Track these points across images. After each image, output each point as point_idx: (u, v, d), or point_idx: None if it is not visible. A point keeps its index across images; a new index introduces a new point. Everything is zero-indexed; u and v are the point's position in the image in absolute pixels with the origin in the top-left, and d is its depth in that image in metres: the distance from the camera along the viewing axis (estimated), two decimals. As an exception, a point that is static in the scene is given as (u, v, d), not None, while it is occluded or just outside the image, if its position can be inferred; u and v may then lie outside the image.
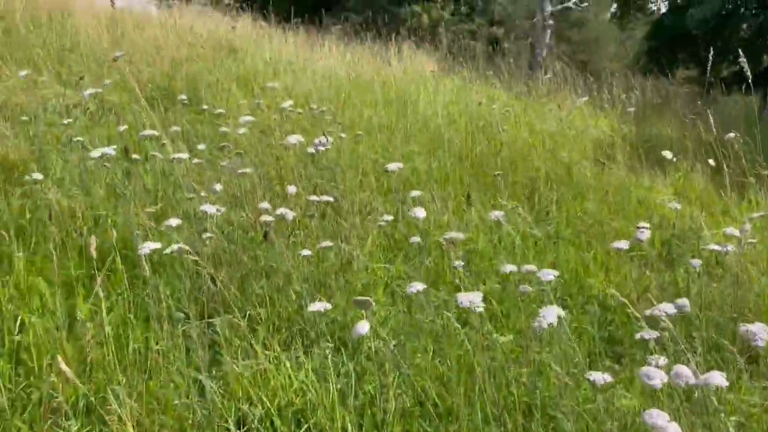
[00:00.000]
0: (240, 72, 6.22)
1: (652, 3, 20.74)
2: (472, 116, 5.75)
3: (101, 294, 2.07)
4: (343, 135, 3.89)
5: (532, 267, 2.18)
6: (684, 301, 2.12)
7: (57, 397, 1.85)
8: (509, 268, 2.24)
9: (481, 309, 1.96)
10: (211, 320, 2.35)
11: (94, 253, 1.73)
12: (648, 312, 2.00)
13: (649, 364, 1.68)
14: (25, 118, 3.63)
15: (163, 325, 2.22)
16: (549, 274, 1.98)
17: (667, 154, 3.95)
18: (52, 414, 1.87)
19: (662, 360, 1.73)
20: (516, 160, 4.58)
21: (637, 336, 1.84)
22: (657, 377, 1.61)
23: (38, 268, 2.54)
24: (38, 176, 2.58)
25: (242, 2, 15.88)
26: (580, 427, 1.99)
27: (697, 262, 2.35)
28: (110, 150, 2.25)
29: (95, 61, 5.71)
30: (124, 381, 2.04)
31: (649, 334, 1.80)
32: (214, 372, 2.20)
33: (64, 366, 1.26)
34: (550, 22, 17.26)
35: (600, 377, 1.66)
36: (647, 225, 2.50)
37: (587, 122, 5.83)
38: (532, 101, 7.42)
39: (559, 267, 3.44)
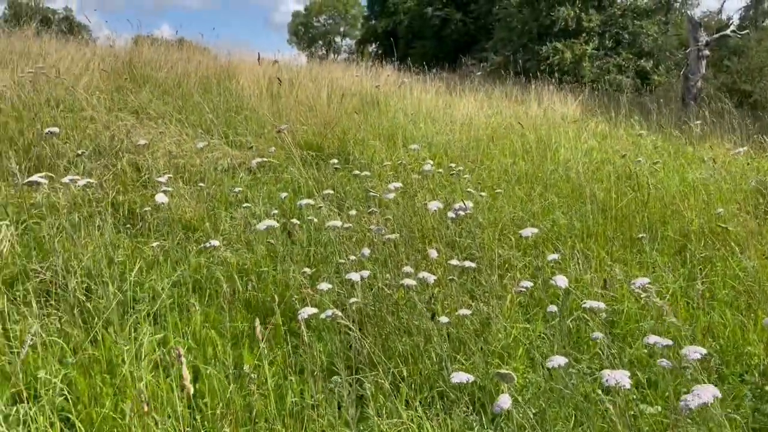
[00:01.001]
0: (383, 127, 6.57)
1: (825, 26, 18.82)
2: (616, 164, 5.60)
3: (264, 350, 2.32)
4: (483, 194, 3.99)
5: (668, 342, 2.11)
6: None
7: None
8: (653, 339, 2.18)
9: (627, 386, 1.94)
10: (358, 376, 2.52)
11: (261, 339, 1.96)
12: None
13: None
14: (202, 184, 4.13)
15: (317, 379, 2.42)
16: (695, 352, 1.92)
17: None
18: (223, 459, 2.12)
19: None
20: (665, 214, 4.39)
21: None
22: None
23: (211, 321, 2.88)
24: (215, 243, 2.94)
25: (384, 54, 16.74)
26: None
27: None
28: (274, 223, 2.54)
29: (256, 122, 6.33)
30: (282, 431, 2.25)
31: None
32: (361, 427, 2.36)
33: None
34: (706, 52, 16.19)
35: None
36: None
37: (747, 168, 5.43)
38: (684, 144, 7.05)
39: (714, 332, 3.26)
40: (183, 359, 1.36)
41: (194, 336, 2.78)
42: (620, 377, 1.72)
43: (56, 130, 3.05)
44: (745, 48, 21.88)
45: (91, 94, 5.91)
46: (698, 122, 6.79)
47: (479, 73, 13.21)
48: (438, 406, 2.40)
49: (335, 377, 2.39)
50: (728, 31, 16.88)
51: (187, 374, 1.42)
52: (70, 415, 2.20)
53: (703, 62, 15.99)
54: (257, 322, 2.02)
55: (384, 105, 8.09)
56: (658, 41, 20.74)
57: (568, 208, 4.66)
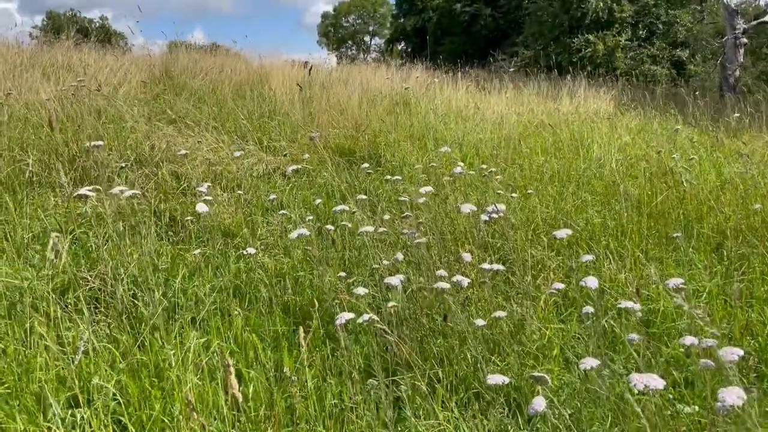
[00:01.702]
0: (414, 128, 6.62)
1: None
2: (651, 161, 5.54)
3: (304, 354, 2.41)
4: (514, 195, 4.00)
5: (711, 342, 2.12)
6: None
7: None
8: (689, 341, 2.19)
9: (661, 387, 1.95)
10: (395, 378, 2.58)
11: (302, 342, 2.04)
12: None
13: None
14: (240, 192, 4.25)
15: (355, 382, 2.50)
16: (733, 353, 1.92)
17: None
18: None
19: None
20: (701, 210, 4.34)
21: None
22: None
23: (252, 325, 2.98)
24: (252, 250, 3.04)
25: (413, 52, 16.74)
26: None
27: None
28: (306, 231, 2.62)
29: (289, 126, 6.44)
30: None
31: None
32: (399, 428, 2.42)
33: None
34: (744, 40, 15.76)
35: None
36: None
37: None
38: (721, 137, 6.91)
39: (752, 330, 3.23)
40: (231, 369, 1.44)
41: (236, 340, 2.88)
42: (648, 380, 1.75)
43: (101, 143, 3.19)
44: (785, 34, 21.20)
45: (130, 104, 6.10)
46: (736, 115, 6.66)
47: (511, 69, 13.10)
48: (474, 407, 2.44)
49: (371, 380, 2.45)
50: (766, 18, 16.42)
51: (235, 383, 1.50)
52: (122, 418, 2.32)
53: (741, 50, 15.58)
54: (300, 327, 2.10)
55: (414, 106, 8.13)
56: (693, 30, 20.26)
57: (602, 206, 4.64)
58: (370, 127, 6.38)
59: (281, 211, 3.61)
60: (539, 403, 1.83)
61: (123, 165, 4.10)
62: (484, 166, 4.43)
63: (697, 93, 10.60)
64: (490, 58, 21.89)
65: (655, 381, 1.83)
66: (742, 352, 1.97)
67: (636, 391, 1.79)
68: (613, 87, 12.29)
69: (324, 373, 2.68)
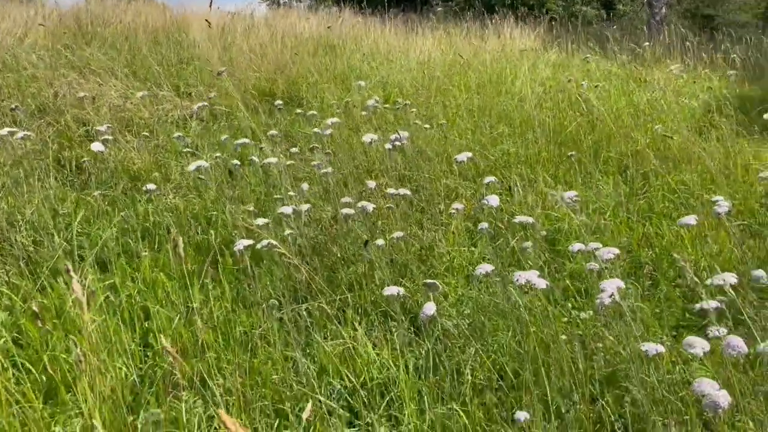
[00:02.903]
0: (338, 70, 6.52)
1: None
2: (568, 92, 5.65)
3: (209, 286, 2.40)
4: (426, 126, 4.03)
5: (596, 245, 2.23)
6: (760, 273, 2.09)
7: (176, 374, 2.18)
8: (577, 247, 2.29)
9: (543, 286, 2.05)
10: (303, 305, 2.62)
11: (181, 252, 2.02)
12: (709, 281, 2.00)
13: (707, 336, 1.72)
14: (146, 133, 4.12)
15: (264, 311, 2.52)
16: (610, 252, 2.03)
17: (772, 115, 3.73)
18: (173, 388, 2.21)
19: (722, 330, 1.74)
20: (610, 135, 4.49)
21: (696, 306, 1.86)
22: (698, 346, 1.66)
23: (161, 265, 2.94)
24: (151, 186, 2.97)
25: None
26: (651, 398, 2.03)
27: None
28: (204, 163, 2.58)
29: (208, 72, 6.24)
30: (231, 360, 2.35)
31: (708, 304, 1.81)
32: (308, 351, 2.47)
33: (169, 347, 1.54)
34: (669, -23, 16.01)
35: (653, 348, 1.71)
36: (723, 198, 2.43)
37: (692, 87, 5.53)
38: (637, 69, 7.10)
39: (650, 242, 3.41)
40: (72, 273, 1.42)
41: (144, 280, 2.84)
42: (530, 277, 1.83)
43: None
44: (707, -28, 21.70)
45: (33, 53, 5.76)
46: (646, 44, 6.84)
47: (439, 9, 12.98)
48: (380, 327, 2.51)
49: (272, 300, 2.48)
50: (689, -46, 16.72)
51: (78, 286, 1.48)
52: (20, 360, 2.27)
53: (666, -12, 15.87)
54: (179, 243, 2.08)
55: (340, 48, 7.99)
56: (622, -32, 20.49)
57: (519, 137, 4.73)
58: (292, 70, 6.25)
59: (185, 149, 3.52)
60: (429, 308, 1.90)
61: (14, 107, 3.89)
62: (400, 100, 4.43)
63: (623, 30, 10.81)
64: (422, 1, 21.60)
65: (537, 280, 1.93)
66: (617, 251, 2.08)
67: (518, 286, 1.87)
68: (541, 26, 12.37)
69: (233, 306, 2.69)
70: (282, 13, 11.81)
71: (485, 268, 2.12)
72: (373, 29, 9.93)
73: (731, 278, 1.81)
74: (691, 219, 2.21)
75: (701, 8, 20.24)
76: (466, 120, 5.12)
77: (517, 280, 1.86)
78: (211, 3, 7.06)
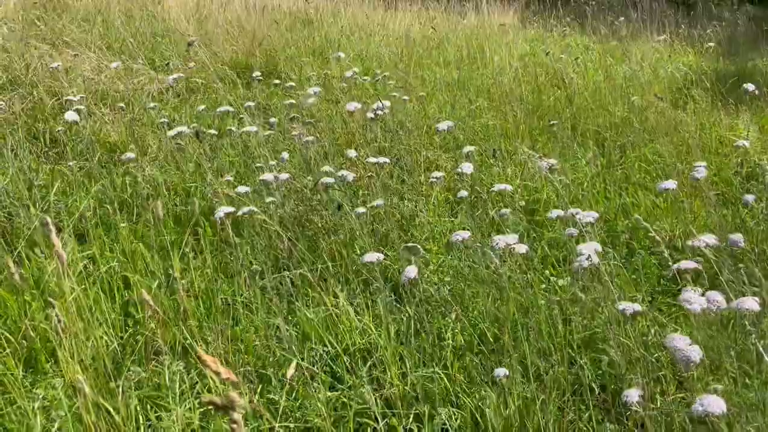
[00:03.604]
0: (316, 43, 6.46)
1: None
2: (546, 67, 5.68)
3: (190, 254, 2.39)
4: (405, 98, 4.02)
5: (576, 210, 2.26)
6: (737, 237, 2.14)
7: (158, 342, 2.18)
8: (555, 213, 2.33)
9: (524, 251, 2.08)
10: (285, 273, 2.62)
11: (161, 215, 2.01)
12: (690, 243, 2.04)
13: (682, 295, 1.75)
14: (121, 105, 4.05)
15: (244, 278, 2.51)
16: (588, 216, 2.06)
17: (749, 86, 3.78)
18: (155, 355, 2.21)
19: (697, 291, 1.79)
20: (588, 108, 4.53)
21: (674, 266, 1.90)
22: (696, 302, 1.69)
23: (139, 236, 2.92)
24: (131, 155, 2.93)
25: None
26: (628, 358, 2.08)
27: (750, 197, 2.32)
28: (186, 129, 2.55)
29: (183, 45, 6.13)
30: (213, 327, 2.35)
31: (686, 264, 1.85)
32: (290, 318, 2.48)
33: (146, 296, 1.54)
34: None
35: (630, 307, 1.75)
36: (704, 164, 2.48)
37: (668, 61, 5.59)
38: (613, 44, 7.15)
39: (627, 212, 3.47)
40: (51, 227, 1.40)
41: (123, 251, 2.81)
42: (509, 240, 1.85)
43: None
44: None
45: (2, 25, 5.60)
46: (621, 19, 6.89)
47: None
48: (363, 294, 2.53)
49: (255, 266, 2.48)
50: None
51: (58, 242, 1.47)
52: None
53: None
54: (158, 206, 2.06)
55: (318, 22, 7.90)
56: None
57: (497, 110, 4.75)
58: (269, 44, 6.17)
59: (163, 119, 3.47)
60: (411, 271, 1.92)
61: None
62: (378, 71, 4.41)
63: (600, 6, 10.83)
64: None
65: (517, 244, 1.95)
66: (596, 215, 2.11)
67: (497, 250, 1.89)
68: (521, 3, 12.34)
69: (216, 275, 2.69)
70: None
71: (462, 234, 2.13)
72: (351, 3, 9.82)
73: (711, 239, 1.85)
74: (670, 183, 2.25)
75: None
76: (444, 93, 5.12)
77: (497, 244, 1.88)
78: None
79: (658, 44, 5.97)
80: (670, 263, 2.37)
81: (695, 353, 1.51)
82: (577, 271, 2.01)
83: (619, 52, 6.25)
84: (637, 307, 1.75)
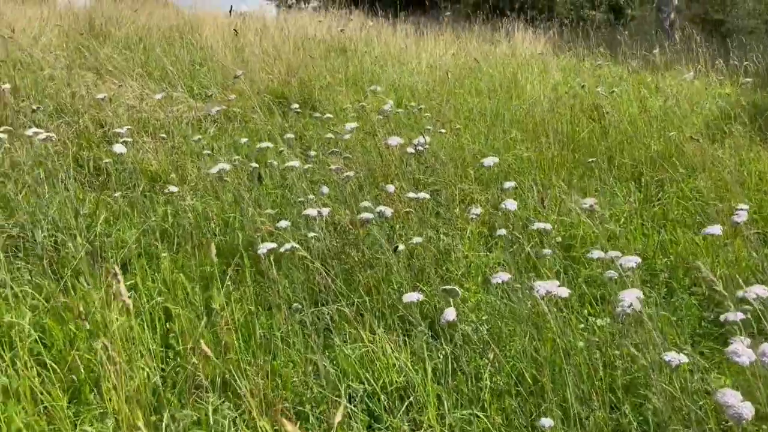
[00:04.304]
0: (349, 72, 6.55)
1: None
2: (580, 97, 5.67)
3: (231, 288, 2.43)
4: (442, 130, 4.05)
5: (616, 253, 2.24)
6: (784, 285, 2.09)
7: (199, 376, 2.21)
8: (596, 254, 2.31)
9: (565, 295, 2.07)
10: (322, 308, 2.64)
11: (214, 258, 2.05)
12: (740, 294, 2.01)
13: (728, 344, 1.72)
14: (163, 135, 4.16)
15: (283, 312, 2.54)
16: (631, 261, 2.04)
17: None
18: (195, 389, 2.24)
19: (746, 341, 1.75)
20: (623, 142, 4.50)
21: (721, 318, 1.87)
22: (744, 355, 1.65)
23: (180, 266, 2.97)
24: (174, 188, 3.00)
25: (355, 1, 16.36)
26: (670, 406, 2.04)
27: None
28: (226, 166, 2.61)
29: (221, 73, 6.28)
30: (252, 361, 2.38)
31: (735, 315, 1.82)
32: (327, 354, 2.49)
33: (204, 347, 1.57)
34: (679, -18, 15.99)
35: (675, 358, 1.73)
36: (746, 207, 2.44)
37: (706, 94, 5.54)
38: (648, 74, 7.11)
39: (665, 249, 3.42)
40: (119, 277, 1.45)
41: (164, 281, 2.86)
42: (551, 287, 1.84)
43: (7, 86, 3.06)
44: (717, -23, 21.65)
45: (49, 53, 5.81)
46: (656, 51, 6.86)
47: (448, 13, 12.99)
48: (399, 331, 2.53)
49: (296, 304, 2.50)
50: (700, -40, 16.70)
51: (124, 290, 1.51)
52: (45, 359, 2.30)
53: (676, -7, 15.85)
54: (212, 249, 2.11)
55: (351, 51, 8.03)
56: (631, -27, 20.49)
57: (531, 143, 4.75)
58: (304, 73, 6.29)
59: (206, 151, 3.56)
60: (449, 313, 1.92)
61: (36, 108, 3.93)
62: (413, 104, 4.45)
63: (632, 35, 10.80)
64: (431, 4, 21.62)
65: (558, 289, 1.94)
66: (639, 260, 2.09)
67: (538, 298, 1.89)
68: (551, 31, 12.38)
69: (254, 308, 2.72)
70: (293, 15, 11.86)
71: (503, 276, 2.13)
72: (383, 32, 9.96)
73: (761, 290, 1.81)
74: (716, 228, 2.21)
75: (710, 13, 20.18)
76: (478, 124, 5.14)
77: (538, 291, 1.87)
78: (231, 9, 7.11)
79: (693, 75, 5.92)
80: (713, 309, 2.34)
81: (747, 410, 1.48)
82: (620, 316, 1.99)
83: (654, 83, 6.21)
84: (683, 358, 1.73)
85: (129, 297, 1.49)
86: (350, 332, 2.52)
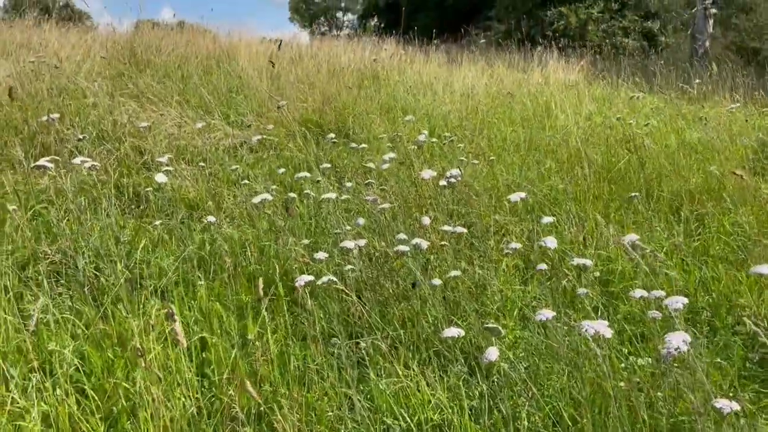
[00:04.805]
0: (383, 101, 6.61)
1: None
2: (615, 128, 5.62)
3: (267, 318, 2.44)
4: (475, 161, 4.05)
5: (660, 293, 2.19)
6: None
7: (234, 407, 2.21)
8: (639, 293, 2.26)
9: (609, 335, 2.02)
10: (357, 340, 2.63)
11: (261, 293, 2.06)
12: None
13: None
14: (202, 164, 4.24)
15: (318, 344, 2.53)
16: (678, 302, 1.99)
17: (837, 159, 3.63)
18: (231, 421, 2.24)
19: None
20: (661, 174, 4.43)
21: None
22: None
23: (216, 294, 2.99)
24: (212, 219, 3.04)
25: (386, 28, 16.61)
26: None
27: None
28: (268, 196, 2.64)
29: (257, 101, 6.39)
30: (286, 394, 2.37)
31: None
32: (361, 388, 2.47)
33: (249, 385, 1.57)
34: (713, 10, 15.86)
35: (727, 405, 1.67)
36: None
37: (746, 126, 5.43)
38: (685, 105, 7.03)
39: (707, 286, 3.33)
40: (176, 317, 1.46)
41: (200, 309, 2.89)
42: (599, 327, 1.81)
43: (57, 116, 3.15)
44: (753, 5, 21.40)
45: (92, 81, 5.99)
46: (697, 81, 6.77)
47: (482, 41, 13.03)
48: (434, 365, 2.50)
49: (334, 339, 2.49)
50: (736, -12, 16.57)
51: (180, 329, 1.52)
52: (84, 387, 2.32)
53: (711, 21, 15.71)
54: (257, 285, 2.12)
55: (384, 79, 8.11)
56: (664, 1, 20.40)
57: (566, 173, 4.71)
58: (338, 101, 6.36)
59: (243, 181, 3.61)
60: (492, 353, 1.89)
61: (81, 137, 4.04)
62: (448, 134, 4.46)
63: (668, 63, 10.71)
64: (463, 32, 21.79)
65: (605, 329, 1.90)
66: (686, 300, 2.04)
67: (587, 337, 1.85)
68: (584, 59, 12.35)
69: (288, 338, 2.72)
70: (326, 42, 12.05)
71: (546, 314, 2.09)
72: (416, 60, 10.05)
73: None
74: (765, 268, 2.14)
75: (746, 41, 19.89)
76: (512, 154, 5.12)
77: (585, 330, 1.84)
78: (280, 45, 7.30)
79: (732, 106, 5.82)
80: (758, 350, 2.25)
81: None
82: (665, 358, 1.93)
83: (691, 114, 6.13)
84: (735, 405, 1.66)
85: (181, 335, 1.50)
86: (385, 366, 2.50)
